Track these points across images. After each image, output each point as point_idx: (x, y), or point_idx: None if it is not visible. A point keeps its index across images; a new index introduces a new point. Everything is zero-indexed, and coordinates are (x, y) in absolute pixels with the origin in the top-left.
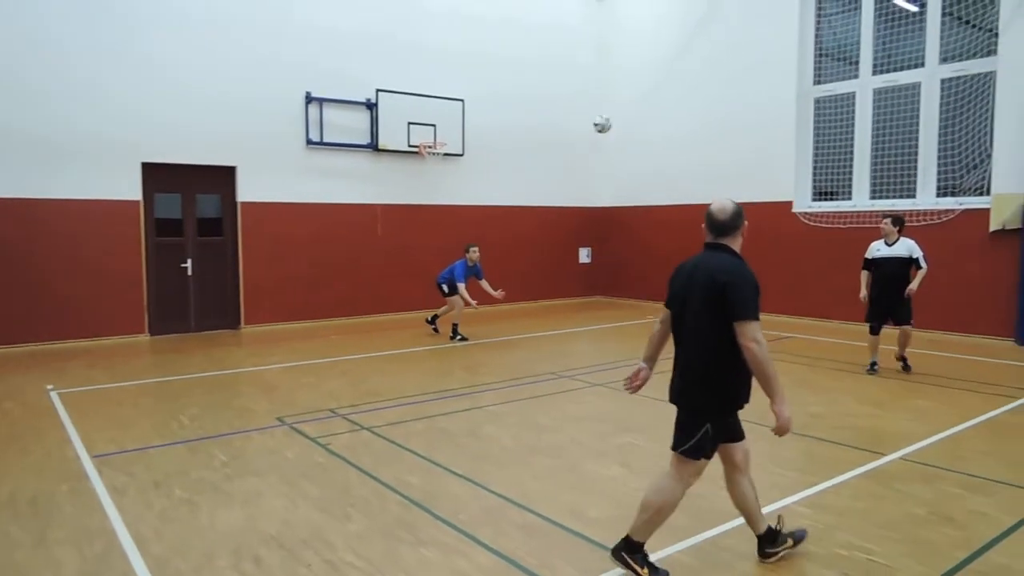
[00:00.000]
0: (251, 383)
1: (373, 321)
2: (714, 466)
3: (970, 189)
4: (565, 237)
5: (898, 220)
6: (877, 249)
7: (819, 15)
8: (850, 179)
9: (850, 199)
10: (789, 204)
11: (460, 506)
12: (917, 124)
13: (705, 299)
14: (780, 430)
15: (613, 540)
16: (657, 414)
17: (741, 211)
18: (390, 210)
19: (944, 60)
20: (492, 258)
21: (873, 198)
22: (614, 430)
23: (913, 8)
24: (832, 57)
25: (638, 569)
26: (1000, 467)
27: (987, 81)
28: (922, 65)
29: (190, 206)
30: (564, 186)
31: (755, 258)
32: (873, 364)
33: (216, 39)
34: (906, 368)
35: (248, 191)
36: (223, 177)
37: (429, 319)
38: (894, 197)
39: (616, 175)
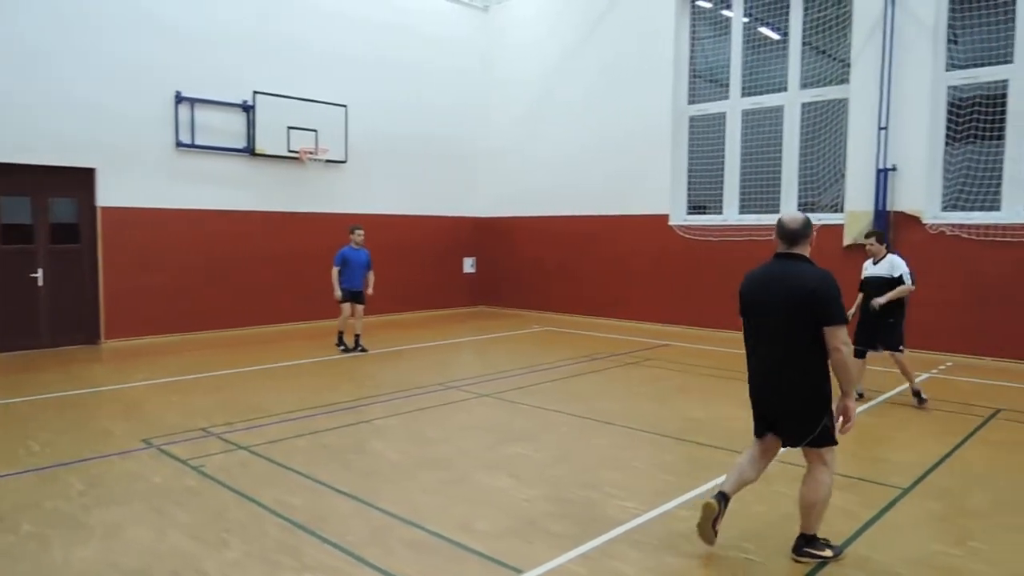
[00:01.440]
0: (113, 402)
1: (251, 333)
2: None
3: (827, 206)
4: (449, 247)
5: (882, 238)
6: (865, 268)
7: (693, 38)
8: (721, 194)
9: (721, 213)
10: (666, 217)
11: (346, 526)
12: (781, 144)
13: (795, 306)
14: (850, 421)
15: (503, 552)
16: (544, 423)
17: (809, 220)
18: (268, 217)
19: (804, 86)
20: (375, 268)
21: (742, 212)
22: (502, 440)
23: (776, 36)
24: (705, 79)
25: (823, 553)
26: (862, 465)
27: (841, 107)
28: (785, 90)
29: (42, 211)
30: (449, 195)
31: (634, 269)
32: (917, 394)
33: (76, 30)
34: (921, 401)
35: (109, 195)
36: (80, 180)
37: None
38: (760, 212)
39: (501, 185)
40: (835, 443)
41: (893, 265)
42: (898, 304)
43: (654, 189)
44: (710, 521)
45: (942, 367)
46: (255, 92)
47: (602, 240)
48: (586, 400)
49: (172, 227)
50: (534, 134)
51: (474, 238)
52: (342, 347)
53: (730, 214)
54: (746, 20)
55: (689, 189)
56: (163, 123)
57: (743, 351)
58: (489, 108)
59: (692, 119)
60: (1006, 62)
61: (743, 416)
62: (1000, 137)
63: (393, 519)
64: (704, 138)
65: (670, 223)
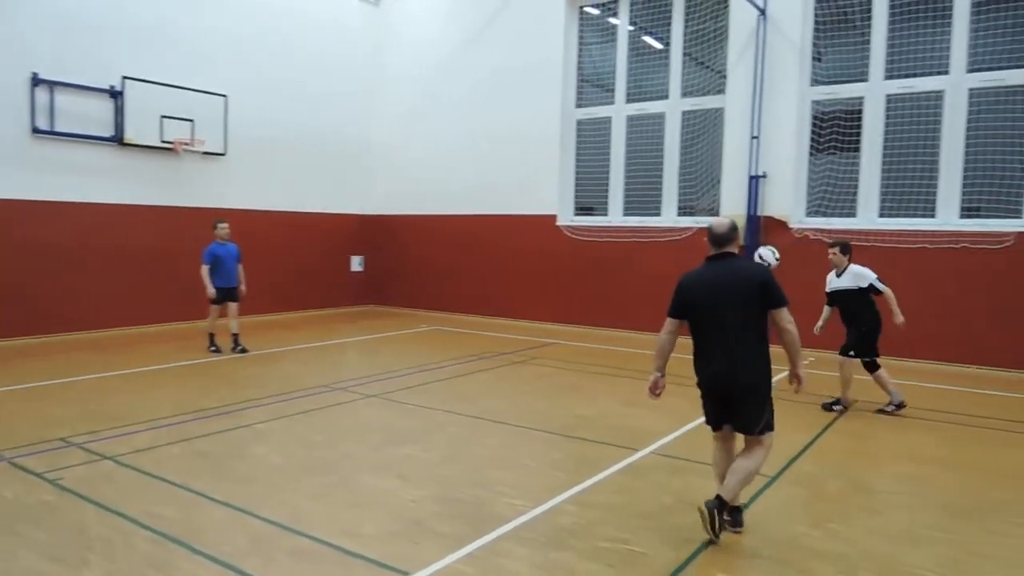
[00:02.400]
0: None
1: (118, 335)
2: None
3: (704, 209)
4: (336, 244)
5: (846, 248)
6: (829, 281)
7: (581, 44)
8: (606, 196)
9: (607, 215)
10: (553, 218)
11: (223, 537)
12: (663, 149)
13: (748, 297)
14: (803, 387)
15: (390, 556)
16: (432, 423)
17: (735, 224)
18: (138, 211)
19: (684, 95)
20: (257, 266)
21: (626, 214)
22: (390, 441)
23: (660, 46)
24: (593, 83)
25: (739, 529)
26: None
27: (718, 116)
28: (667, 97)
29: None
30: (336, 192)
31: (522, 268)
32: (836, 402)
33: None
34: (830, 408)
35: None
36: None
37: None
38: (643, 214)
39: (390, 182)
40: (773, 429)
41: (859, 275)
42: (870, 313)
43: (543, 190)
44: (715, 524)
45: (805, 362)
46: (124, 77)
47: (492, 239)
48: (475, 399)
49: (27, 220)
50: (424, 131)
51: (362, 236)
52: (215, 349)
53: (615, 216)
54: (632, 28)
55: (576, 190)
56: (17, 108)
57: (628, 349)
58: (379, 103)
59: (580, 122)
60: (862, 80)
61: (629, 413)
62: (857, 149)
63: (274, 527)
64: (592, 141)
65: (558, 223)
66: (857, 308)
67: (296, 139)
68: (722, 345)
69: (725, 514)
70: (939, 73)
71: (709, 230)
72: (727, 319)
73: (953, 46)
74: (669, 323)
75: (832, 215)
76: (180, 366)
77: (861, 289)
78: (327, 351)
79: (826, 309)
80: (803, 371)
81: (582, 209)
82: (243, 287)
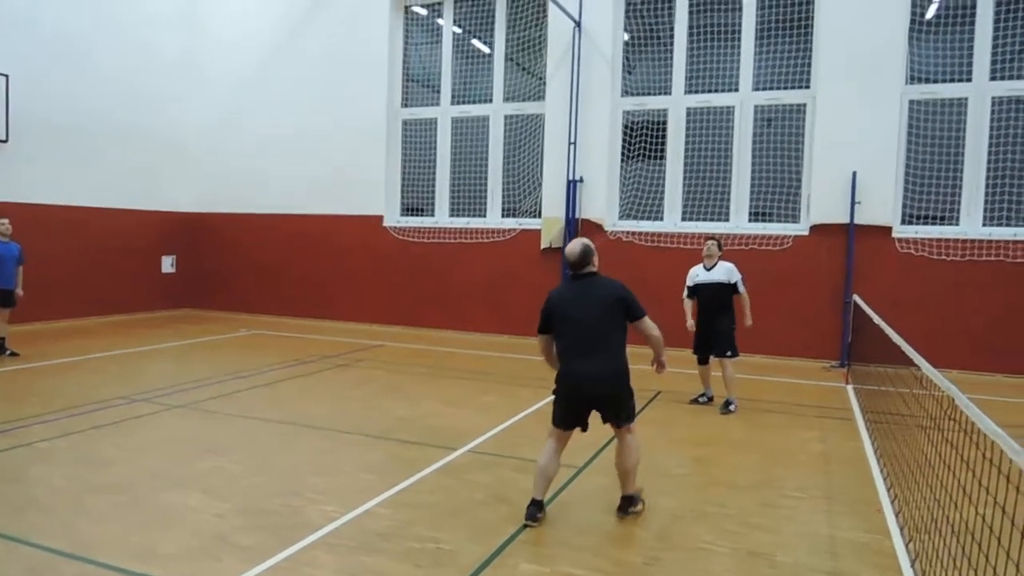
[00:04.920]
0: None
1: None
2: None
3: (527, 212)
4: (145, 244)
5: (720, 244)
6: (696, 275)
7: (407, 43)
8: (433, 197)
9: (433, 216)
10: (380, 218)
11: None
12: (487, 152)
13: (610, 309)
14: (664, 370)
15: (188, 575)
16: (244, 433)
17: (589, 246)
18: None
19: (507, 99)
20: (51, 267)
21: (452, 215)
22: (197, 454)
23: (486, 50)
24: (420, 83)
25: (638, 508)
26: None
27: (539, 121)
28: (491, 101)
29: None
30: (143, 187)
31: (348, 269)
32: (702, 395)
33: None
34: (725, 410)
35: None
36: None
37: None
38: (469, 215)
39: (205, 179)
40: (634, 419)
41: (731, 271)
42: (731, 309)
43: (369, 190)
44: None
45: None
46: None
47: (317, 239)
48: (292, 405)
49: None
50: (243, 128)
51: (175, 235)
52: (8, 352)
53: (441, 217)
54: (458, 31)
55: (403, 191)
56: None
57: (454, 349)
58: (193, 97)
59: (406, 122)
60: (666, 94)
61: (450, 413)
62: (662, 158)
63: (53, 555)
64: (419, 141)
65: (384, 224)
66: (726, 301)
67: (98, 129)
68: (588, 354)
69: (623, 503)
70: (731, 90)
71: (564, 256)
72: (591, 331)
73: (741, 67)
74: (541, 339)
75: (642, 218)
76: None
77: (730, 284)
78: (131, 359)
79: (688, 302)
80: (665, 359)
81: (409, 210)
82: (20, 291)
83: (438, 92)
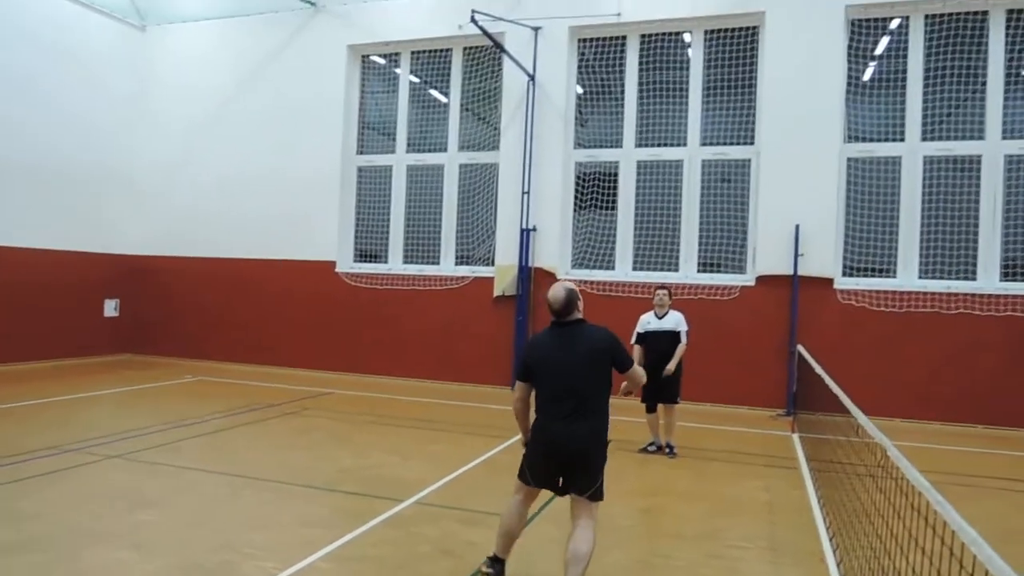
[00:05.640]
0: None
1: None
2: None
3: (480, 260)
4: (87, 286)
5: (670, 293)
6: (647, 323)
7: (363, 90)
8: (387, 243)
9: (387, 262)
10: (332, 264)
11: None
12: (441, 200)
13: (595, 360)
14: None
15: None
16: (183, 485)
17: (574, 291)
18: None
19: (462, 148)
20: None
21: (406, 262)
22: (129, 508)
23: (443, 99)
24: (376, 131)
25: None
26: (491, 500)
27: (493, 170)
28: (446, 150)
29: None
30: (88, 228)
31: (299, 315)
32: (651, 444)
33: None
34: (671, 453)
35: None
36: None
37: None
38: (423, 263)
39: (153, 221)
40: (603, 498)
41: (680, 321)
42: (681, 360)
43: (322, 235)
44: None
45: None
46: None
47: (268, 285)
48: (234, 455)
49: None
50: (194, 171)
51: (119, 277)
52: None
53: (395, 263)
54: (416, 80)
55: (357, 237)
56: None
57: (404, 397)
58: (143, 140)
59: (361, 169)
60: (618, 147)
61: (397, 463)
62: (614, 208)
63: None
64: (373, 188)
65: (337, 270)
66: (672, 350)
67: (35, 166)
68: (561, 410)
69: None
70: (680, 145)
71: (548, 304)
72: (575, 387)
73: (689, 123)
74: (519, 387)
75: (594, 267)
76: None
77: (676, 333)
78: (66, 407)
79: (637, 348)
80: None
81: (363, 256)
82: None
83: (394, 140)
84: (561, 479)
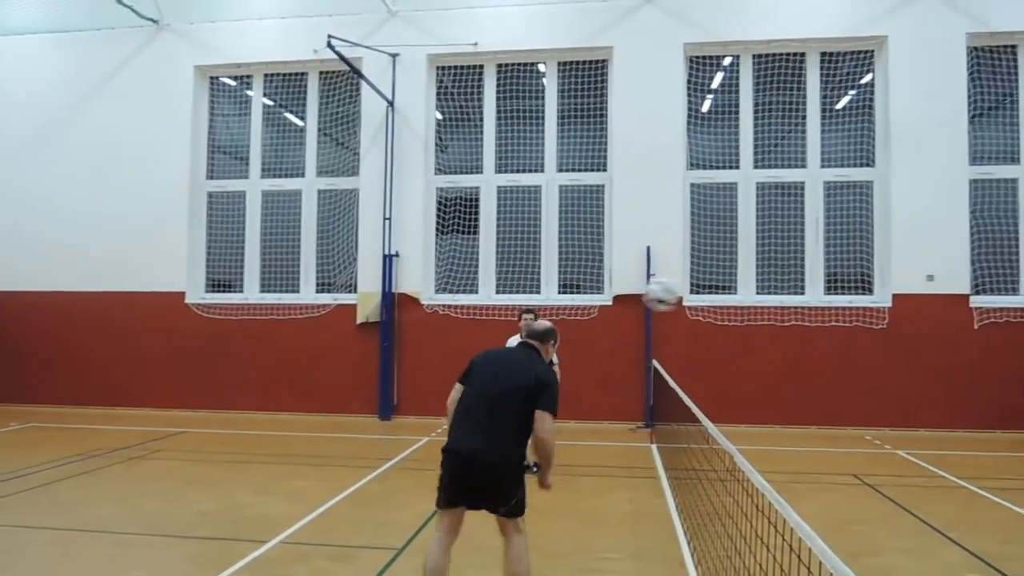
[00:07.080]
0: None
1: None
2: None
3: (342, 286)
4: None
5: (536, 315)
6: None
7: (213, 112)
8: (242, 272)
9: (242, 292)
10: (182, 295)
11: None
12: (300, 226)
13: (525, 388)
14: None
15: None
16: (9, 546)
17: (555, 330)
18: None
19: (320, 173)
20: None
21: (263, 291)
22: None
23: (299, 123)
24: (228, 155)
25: None
26: (362, 534)
27: (353, 196)
28: (303, 175)
29: None
30: None
31: (148, 350)
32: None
33: None
34: (535, 471)
35: None
36: None
37: None
38: (281, 291)
39: None
40: (524, 513)
41: None
42: None
43: (169, 265)
44: None
45: (438, 431)
46: None
47: (111, 319)
48: (73, 508)
49: None
50: (35, 190)
51: None
52: None
53: (251, 293)
54: (270, 103)
55: (209, 266)
56: None
57: (264, 432)
58: None
59: (212, 195)
60: (478, 172)
61: (259, 501)
62: (475, 232)
63: None
64: (226, 214)
65: (187, 301)
66: None
67: None
68: (479, 422)
69: None
70: (538, 171)
71: (528, 329)
72: (495, 399)
73: (546, 149)
74: (454, 390)
75: (458, 291)
76: None
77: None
78: None
79: None
80: (551, 479)
81: (215, 286)
82: None
83: (248, 164)
84: (476, 498)
